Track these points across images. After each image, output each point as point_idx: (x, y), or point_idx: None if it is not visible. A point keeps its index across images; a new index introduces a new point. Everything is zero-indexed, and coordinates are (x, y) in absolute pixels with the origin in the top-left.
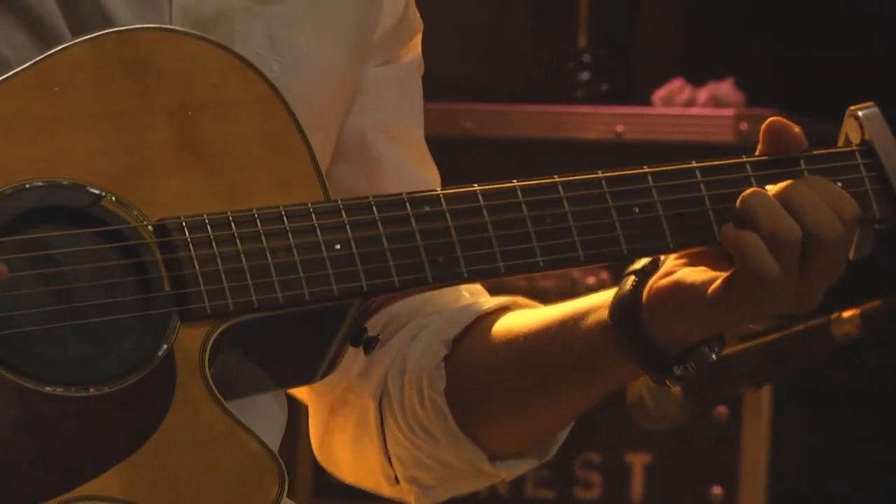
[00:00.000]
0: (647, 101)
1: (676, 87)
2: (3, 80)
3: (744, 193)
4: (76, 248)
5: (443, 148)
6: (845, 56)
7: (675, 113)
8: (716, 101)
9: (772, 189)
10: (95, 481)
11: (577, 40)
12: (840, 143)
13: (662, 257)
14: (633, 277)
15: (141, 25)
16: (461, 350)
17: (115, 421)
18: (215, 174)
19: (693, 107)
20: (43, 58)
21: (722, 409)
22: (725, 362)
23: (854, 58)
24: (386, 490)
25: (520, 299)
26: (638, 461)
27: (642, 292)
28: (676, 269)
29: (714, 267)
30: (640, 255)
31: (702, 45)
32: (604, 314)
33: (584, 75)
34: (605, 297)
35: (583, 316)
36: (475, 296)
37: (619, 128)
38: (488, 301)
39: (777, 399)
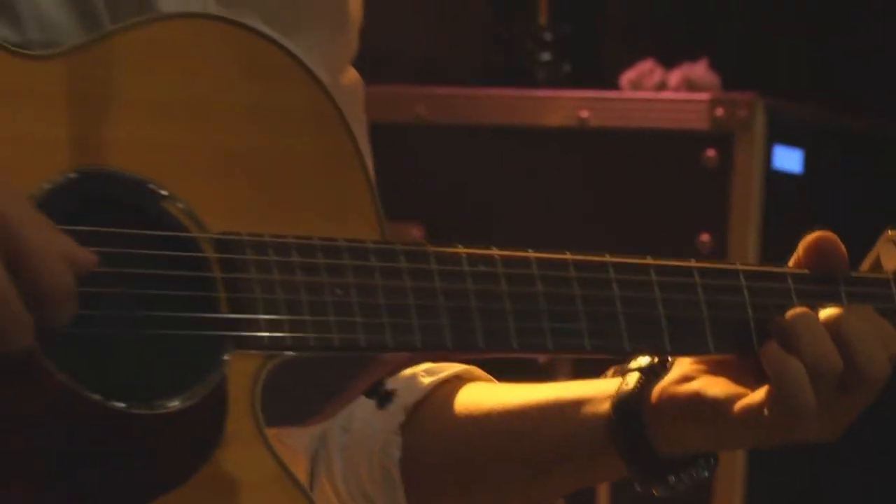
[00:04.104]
0: (614, 85)
1: (646, 69)
2: (48, 56)
3: (791, 312)
4: (138, 250)
5: (392, 135)
6: (824, 35)
7: (645, 97)
8: (689, 85)
9: (822, 313)
10: None
11: (538, 17)
12: (866, 264)
13: (671, 359)
14: (637, 375)
15: (183, 11)
16: (421, 419)
17: (157, 447)
18: (264, 190)
19: (664, 91)
20: (87, 42)
21: None
22: None
23: (834, 36)
24: None
25: (474, 369)
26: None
27: (650, 393)
28: (695, 376)
29: (737, 380)
30: (681, 355)
31: (674, 23)
32: (603, 407)
33: (545, 55)
34: (599, 387)
35: (580, 404)
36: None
37: (584, 113)
38: (443, 368)
39: None
